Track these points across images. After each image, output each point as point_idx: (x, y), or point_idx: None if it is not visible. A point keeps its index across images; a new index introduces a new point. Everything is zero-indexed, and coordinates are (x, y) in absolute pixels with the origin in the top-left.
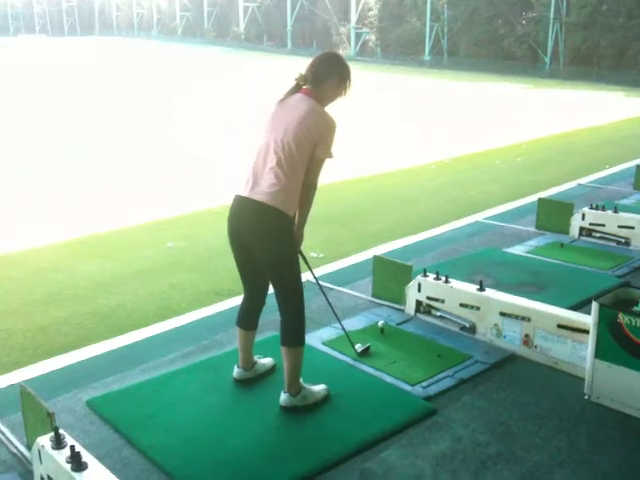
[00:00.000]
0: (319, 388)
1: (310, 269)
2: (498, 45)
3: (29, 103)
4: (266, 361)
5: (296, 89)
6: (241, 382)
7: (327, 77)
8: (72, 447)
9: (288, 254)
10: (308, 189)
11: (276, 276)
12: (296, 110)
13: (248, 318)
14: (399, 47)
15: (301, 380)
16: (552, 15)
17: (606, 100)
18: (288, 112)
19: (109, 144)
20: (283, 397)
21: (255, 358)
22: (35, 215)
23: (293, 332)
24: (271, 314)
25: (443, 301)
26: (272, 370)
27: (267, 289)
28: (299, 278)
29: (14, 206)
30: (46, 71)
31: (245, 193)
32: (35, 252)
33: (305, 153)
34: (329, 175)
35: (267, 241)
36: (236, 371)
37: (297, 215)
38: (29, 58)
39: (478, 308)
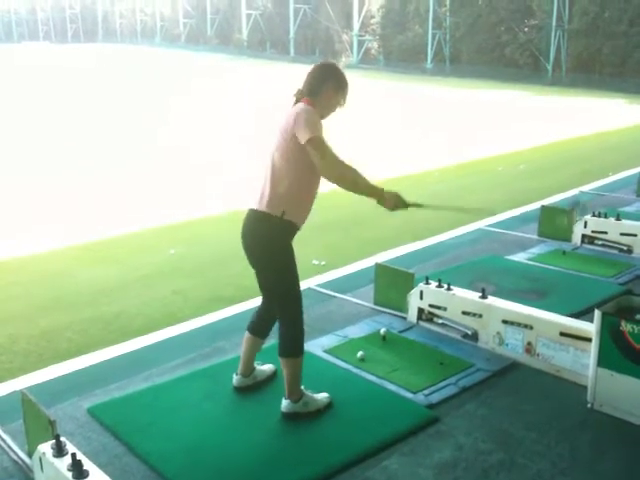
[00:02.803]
0: (321, 396)
1: None
2: (500, 52)
3: (33, 108)
4: (266, 368)
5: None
6: (240, 389)
7: (322, 86)
8: (73, 455)
9: (281, 260)
10: (326, 175)
11: (272, 284)
12: (288, 116)
13: (258, 325)
14: (401, 54)
15: (302, 387)
16: (554, 22)
17: (608, 107)
18: (282, 121)
19: (112, 150)
20: (284, 403)
21: (254, 365)
22: (38, 220)
23: (290, 343)
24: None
25: (445, 309)
26: (273, 376)
27: None
28: (296, 287)
29: (17, 212)
30: (51, 76)
31: (254, 206)
32: (38, 257)
33: (290, 152)
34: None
35: (260, 248)
36: (235, 378)
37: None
38: (35, 63)
39: (480, 316)
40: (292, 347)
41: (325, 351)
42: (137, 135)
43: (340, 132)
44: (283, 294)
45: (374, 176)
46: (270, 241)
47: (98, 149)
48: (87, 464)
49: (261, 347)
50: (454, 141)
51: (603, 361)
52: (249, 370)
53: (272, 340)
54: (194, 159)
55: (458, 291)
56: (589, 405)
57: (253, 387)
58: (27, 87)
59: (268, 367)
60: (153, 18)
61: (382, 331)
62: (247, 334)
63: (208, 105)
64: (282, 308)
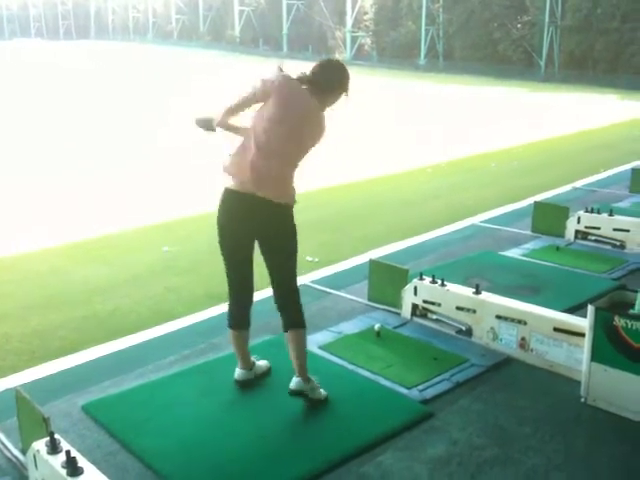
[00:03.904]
0: (322, 390)
1: None
2: (493, 49)
3: (28, 107)
4: (262, 363)
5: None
6: (244, 384)
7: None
8: (68, 452)
9: (295, 242)
10: None
11: (287, 259)
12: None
13: (243, 317)
14: (395, 50)
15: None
16: (547, 19)
17: (601, 103)
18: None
19: (104, 148)
20: (296, 380)
21: (252, 359)
22: (31, 219)
23: (302, 312)
24: (267, 318)
25: (439, 304)
26: (268, 372)
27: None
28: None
29: (10, 210)
30: (46, 75)
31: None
32: (31, 256)
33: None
34: (325, 179)
35: (283, 232)
36: (238, 372)
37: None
38: (29, 61)
39: (474, 311)
40: (304, 316)
41: (320, 347)
42: (134, 134)
43: (333, 129)
44: (294, 268)
45: (368, 173)
46: (291, 226)
47: (96, 149)
48: (81, 461)
49: (249, 336)
50: (447, 138)
51: (597, 356)
52: (250, 363)
53: (265, 337)
54: (192, 158)
55: (452, 287)
56: (583, 400)
57: (252, 382)
58: (24, 87)
59: (264, 363)
60: (145, 15)
61: (376, 327)
62: (233, 332)
63: (205, 102)
64: (293, 280)
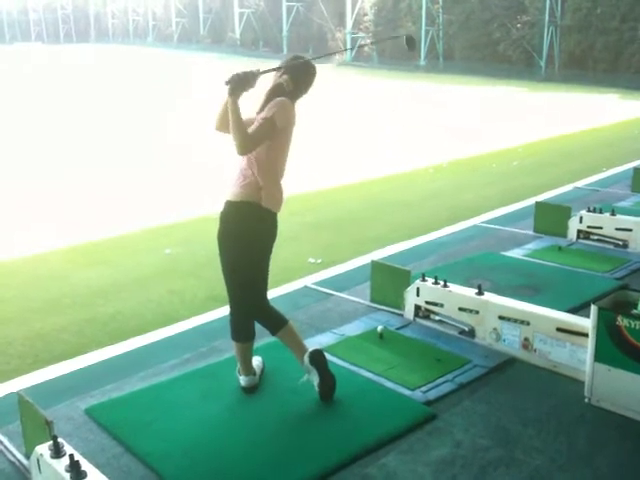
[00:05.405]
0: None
1: None
2: (493, 49)
3: (29, 109)
4: (258, 362)
5: None
6: (252, 389)
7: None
8: (71, 456)
9: None
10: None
11: None
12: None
13: (252, 328)
14: (395, 51)
15: None
16: (547, 18)
17: (601, 103)
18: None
19: (106, 151)
20: (308, 353)
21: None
22: (32, 222)
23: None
24: None
25: (442, 305)
26: (264, 366)
27: None
28: None
29: (11, 213)
30: (47, 77)
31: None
32: (33, 260)
33: None
34: (327, 180)
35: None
36: (245, 379)
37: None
38: (33, 63)
39: (477, 312)
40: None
41: (323, 349)
42: (135, 136)
43: (335, 130)
44: None
45: (370, 173)
46: None
47: (96, 151)
48: (85, 465)
49: None
50: (448, 138)
51: (600, 356)
52: (252, 368)
53: (267, 339)
54: (193, 161)
55: (454, 288)
56: (586, 400)
57: (257, 385)
58: (27, 89)
59: (259, 360)
60: (145, 18)
61: (379, 328)
62: (247, 345)
63: (209, 105)
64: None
